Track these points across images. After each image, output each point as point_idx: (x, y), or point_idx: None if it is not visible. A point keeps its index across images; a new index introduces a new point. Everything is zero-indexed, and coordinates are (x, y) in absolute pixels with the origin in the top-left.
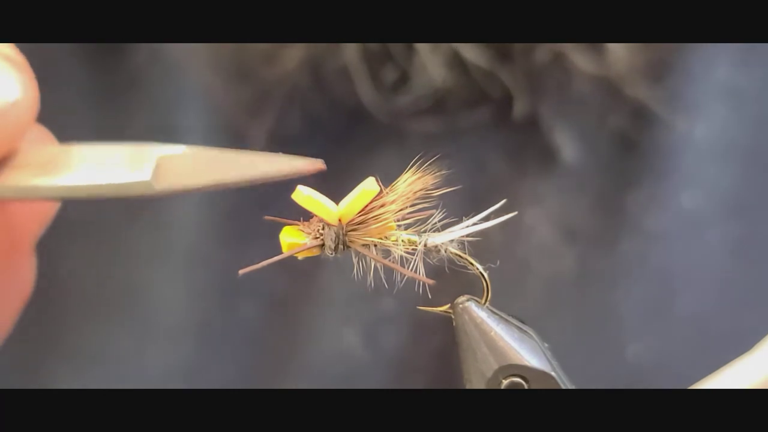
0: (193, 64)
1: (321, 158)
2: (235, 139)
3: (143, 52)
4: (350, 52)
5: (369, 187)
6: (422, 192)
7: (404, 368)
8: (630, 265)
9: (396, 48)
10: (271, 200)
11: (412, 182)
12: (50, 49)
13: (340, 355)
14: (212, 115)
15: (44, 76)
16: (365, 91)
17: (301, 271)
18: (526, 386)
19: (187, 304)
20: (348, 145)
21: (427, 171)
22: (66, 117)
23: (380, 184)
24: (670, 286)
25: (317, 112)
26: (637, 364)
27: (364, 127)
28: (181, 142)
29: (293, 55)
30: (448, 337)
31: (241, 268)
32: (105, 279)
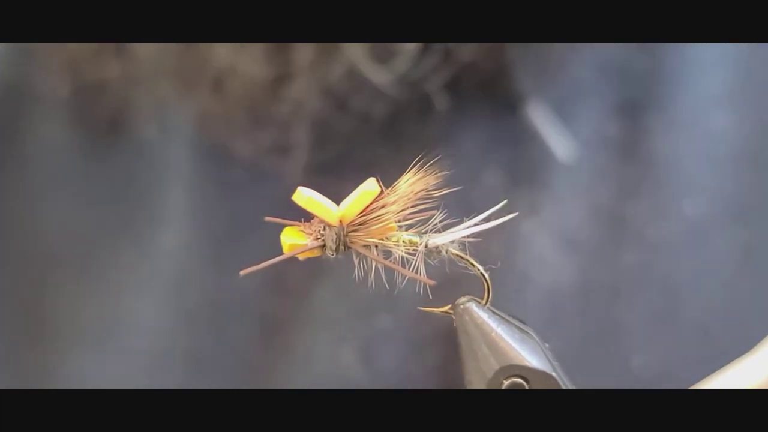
0: (206, 122)
1: (371, 159)
2: (271, 179)
3: (151, 124)
4: (351, 50)
5: (370, 187)
6: (423, 192)
7: (403, 386)
8: (633, 275)
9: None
10: (256, 222)
11: (412, 183)
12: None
13: (336, 375)
14: (242, 165)
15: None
16: (380, 78)
17: (292, 291)
18: (526, 386)
19: (177, 330)
20: (389, 139)
21: (428, 172)
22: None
23: (381, 184)
24: (675, 296)
25: (345, 127)
26: (643, 375)
27: (398, 118)
28: (218, 197)
29: (298, 82)
30: (446, 352)
31: (228, 291)
32: (92, 307)
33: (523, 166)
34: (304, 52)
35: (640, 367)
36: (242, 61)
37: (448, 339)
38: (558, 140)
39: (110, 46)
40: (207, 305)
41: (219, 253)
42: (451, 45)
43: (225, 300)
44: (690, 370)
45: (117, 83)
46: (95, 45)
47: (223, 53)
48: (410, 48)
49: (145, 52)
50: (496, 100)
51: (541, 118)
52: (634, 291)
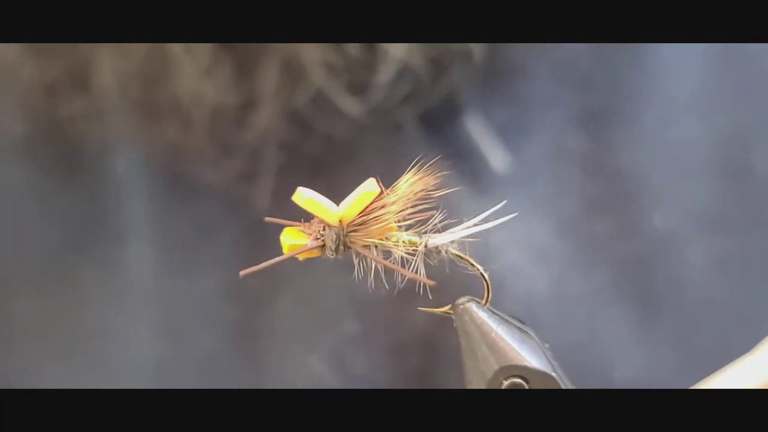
0: (170, 152)
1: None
2: (239, 207)
3: (121, 161)
4: (317, 75)
5: (369, 188)
6: (423, 193)
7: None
8: (607, 288)
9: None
10: (219, 228)
11: (412, 183)
12: None
13: (307, 383)
14: (212, 193)
15: None
16: (345, 103)
17: (259, 301)
18: (526, 386)
19: (146, 342)
20: (354, 160)
21: (428, 172)
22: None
23: (381, 185)
24: (651, 308)
25: (310, 150)
26: (626, 388)
27: (362, 139)
28: (181, 208)
29: (265, 109)
30: (419, 358)
31: (195, 302)
32: (59, 320)
33: (485, 178)
34: (269, 78)
35: (623, 379)
36: (207, 89)
37: (421, 344)
38: (493, 151)
39: (68, 82)
40: (174, 316)
41: (185, 264)
42: (423, 76)
43: (192, 311)
44: (673, 380)
45: (78, 119)
46: (51, 81)
47: (187, 82)
48: (384, 79)
49: (107, 85)
50: (456, 114)
51: (477, 130)
52: (610, 303)
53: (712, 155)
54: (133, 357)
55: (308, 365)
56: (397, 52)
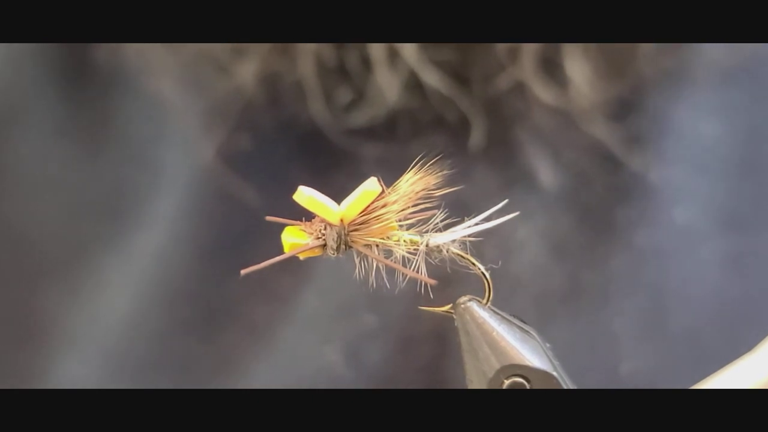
0: (151, 71)
1: (271, 178)
2: (184, 151)
3: (102, 54)
4: (306, 66)
5: (371, 187)
6: (424, 192)
7: (389, 385)
8: (622, 281)
9: (352, 65)
10: (249, 237)
11: (413, 182)
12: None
13: (322, 375)
14: (166, 125)
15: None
16: (318, 110)
17: (277, 293)
18: (527, 386)
19: (167, 337)
20: (298, 165)
21: (429, 171)
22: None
23: (382, 184)
24: (664, 303)
25: (269, 130)
26: (632, 382)
27: (316, 147)
28: (137, 153)
29: (248, 68)
30: (433, 352)
31: (214, 294)
32: (80, 311)
33: (512, 171)
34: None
35: (629, 373)
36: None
37: (435, 339)
38: (543, 165)
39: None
40: (193, 308)
41: (206, 257)
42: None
43: (211, 303)
44: (678, 376)
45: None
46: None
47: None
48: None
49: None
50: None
51: (528, 142)
52: (623, 297)
53: (731, 154)
54: (150, 348)
55: (323, 356)
56: (390, 93)
